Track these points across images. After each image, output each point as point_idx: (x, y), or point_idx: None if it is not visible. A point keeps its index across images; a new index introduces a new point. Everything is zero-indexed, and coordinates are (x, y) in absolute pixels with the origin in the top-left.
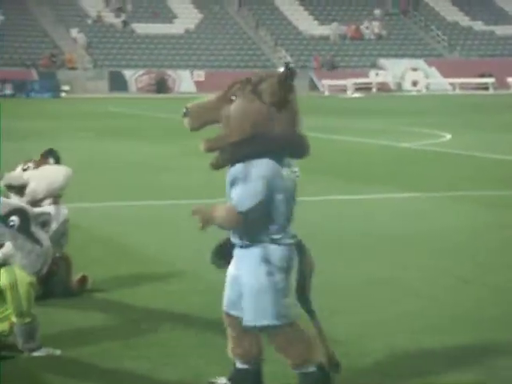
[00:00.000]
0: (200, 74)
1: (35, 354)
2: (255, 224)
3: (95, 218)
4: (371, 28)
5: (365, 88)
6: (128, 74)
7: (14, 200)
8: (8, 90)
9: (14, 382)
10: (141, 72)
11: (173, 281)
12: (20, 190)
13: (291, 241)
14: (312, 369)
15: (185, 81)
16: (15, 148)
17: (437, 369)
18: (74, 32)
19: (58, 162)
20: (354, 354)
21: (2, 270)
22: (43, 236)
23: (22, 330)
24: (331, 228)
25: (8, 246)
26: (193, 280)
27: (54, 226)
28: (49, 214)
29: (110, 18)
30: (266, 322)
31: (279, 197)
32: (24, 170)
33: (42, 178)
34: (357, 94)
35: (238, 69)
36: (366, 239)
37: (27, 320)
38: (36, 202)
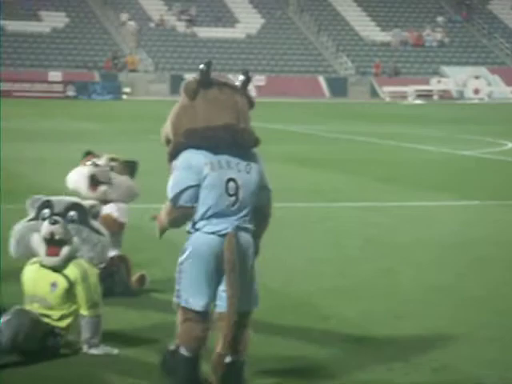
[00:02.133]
0: (261, 79)
1: (93, 351)
2: (188, 211)
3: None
4: (433, 35)
5: (426, 95)
6: (189, 77)
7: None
8: (71, 92)
9: (71, 380)
10: None
11: None
12: (97, 184)
13: (216, 229)
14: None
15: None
16: (79, 148)
17: (497, 380)
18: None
19: (134, 175)
20: (415, 359)
21: (71, 265)
22: (101, 226)
23: (91, 323)
24: (393, 233)
25: (74, 240)
26: None
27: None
28: (98, 205)
29: (172, 21)
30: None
31: (204, 183)
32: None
33: (120, 186)
34: (418, 101)
35: (298, 74)
36: (427, 245)
37: (98, 312)
38: (102, 202)
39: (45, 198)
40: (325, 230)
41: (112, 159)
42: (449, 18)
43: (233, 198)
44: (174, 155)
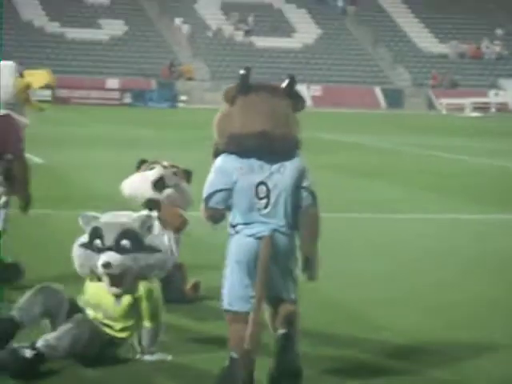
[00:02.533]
0: (317, 89)
1: (148, 358)
2: (218, 213)
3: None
4: (492, 47)
5: (483, 108)
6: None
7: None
8: (127, 99)
9: None
10: None
11: None
12: (163, 187)
13: (253, 232)
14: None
15: (302, 94)
16: (135, 155)
17: None
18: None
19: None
20: (469, 371)
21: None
22: (157, 240)
23: (151, 334)
24: (448, 245)
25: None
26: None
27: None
28: (152, 217)
29: (229, 30)
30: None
31: (235, 187)
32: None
33: (183, 192)
34: (475, 114)
35: (355, 84)
36: (482, 257)
37: (159, 323)
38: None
39: (95, 220)
40: (379, 240)
41: (172, 166)
42: (507, 31)
43: (264, 201)
44: (214, 156)
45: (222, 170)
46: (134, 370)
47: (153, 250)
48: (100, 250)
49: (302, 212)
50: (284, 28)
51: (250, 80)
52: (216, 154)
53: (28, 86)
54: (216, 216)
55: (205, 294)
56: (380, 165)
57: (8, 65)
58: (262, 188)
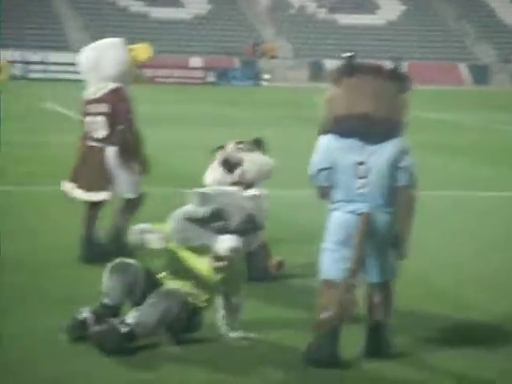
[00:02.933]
0: (403, 65)
1: (232, 335)
2: (324, 191)
3: (293, 205)
4: None
5: None
6: (329, 64)
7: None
8: (211, 78)
9: (211, 362)
10: (341, 62)
11: None
12: (232, 167)
13: (351, 208)
14: None
15: None
16: (219, 134)
17: None
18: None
19: (264, 151)
20: None
21: None
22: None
23: (235, 310)
24: None
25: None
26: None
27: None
28: (260, 196)
29: (312, 8)
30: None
31: (336, 166)
32: (239, 149)
33: (254, 163)
34: None
35: (440, 61)
36: None
37: (241, 297)
38: (242, 185)
39: (216, 201)
40: (467, 218)
41: (238, 142)
42: None
43: (362, 181)
44: (319, 133)
45: (325, 150)
46: (218, 347)
47: (261, 228)
48: (222, 232)
49: (398, 192)
50: (367, 5)
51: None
52: (321, 133)
53: (135, 60)
54: (323, 192)
55: (288, 272)
56: (467, 142)
57: (118, 41)
58: (362, 167)
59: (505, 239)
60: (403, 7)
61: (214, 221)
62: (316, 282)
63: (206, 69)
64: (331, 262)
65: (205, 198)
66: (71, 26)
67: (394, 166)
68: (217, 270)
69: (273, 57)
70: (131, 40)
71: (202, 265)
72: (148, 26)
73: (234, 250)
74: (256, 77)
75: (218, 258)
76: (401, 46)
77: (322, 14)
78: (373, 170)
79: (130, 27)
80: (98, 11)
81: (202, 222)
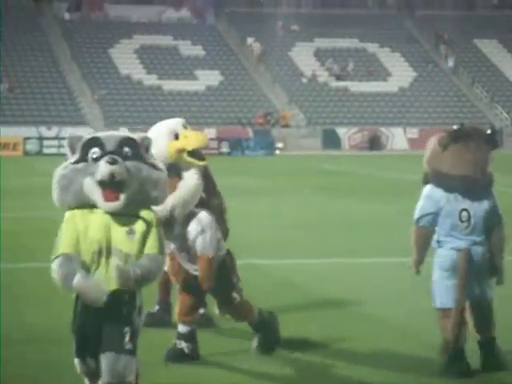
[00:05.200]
0: (413, 132)
1: None
2: (426, 230)
3: (313, 274)
4: None
5: None
6: (341, 131)
7: None
8: (225, 148)
9: None
10: (354, 130)
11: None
12: None
13: (454, 246)
14: None
15: (398, 138)
16: (236, 202)
17: None
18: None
19: None
20: None
21: (143, 209)
22: (156, 161)
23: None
24: None
25: (134, 180)
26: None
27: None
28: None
29: (324, 76)
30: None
31: (441, 212)
32: None
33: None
34: None
35: (453, 126)
36: None
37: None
38: None
39: (89, 135)
40: None
41: None
42: None
43: (465, 224)
44: (424, 183)
45: (431, 197)
46: None
47: (154, 166)
48: (98, 159)
49: (492, 230)
50: (379, 72)
51: None
52: (425, 182)
53: (181, 150)
54: (425, 234)
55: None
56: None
57: (164, 126)
58: (465, 214)
59: None
60: (414, 73)
61: (89, 150)
62: None
63: (220, 139)
64: (444, 292)
65: (75, 140)
66: (85, 100)
67: (490, 213)
68: (125, 226)
69: (286, 125)
70: (146, 112)
71: (113, 226)
72: (162, 98)
73: (112, 162)
74: (269, 146)
75: (108, 195)
76: (413, 111)
77: (334, 81)
78: (474, 216)
79: (145, 100)
80: (114, 85)
81: (80, 159)
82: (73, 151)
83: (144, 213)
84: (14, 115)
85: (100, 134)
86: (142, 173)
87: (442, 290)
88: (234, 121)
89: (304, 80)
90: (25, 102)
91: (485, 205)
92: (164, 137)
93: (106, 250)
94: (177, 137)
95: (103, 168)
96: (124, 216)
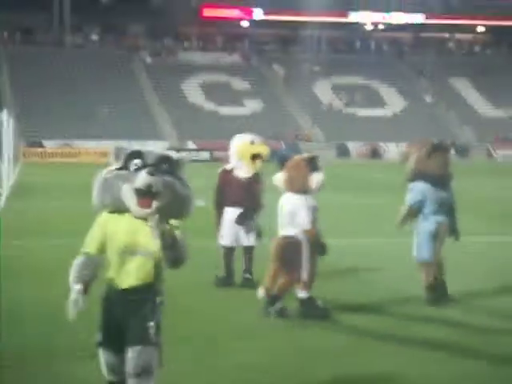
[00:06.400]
0: (403, 145)
1: None
2: (415, 210)
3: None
4: None
5: None
6: (351, 145)
7: None
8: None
9: None
10: (360, 144)
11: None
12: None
13: (436, 219)
14: None
15: (392, 150)
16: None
17: None
18: (308, 119)
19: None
20: None
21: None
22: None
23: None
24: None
25: (167, 193)
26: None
27: None
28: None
29: (338, 105)
30: None
31: (427, 200)
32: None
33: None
34: None
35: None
36: None
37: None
38: None
39: (133, 148)
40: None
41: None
42: None
43: (442, 206)
44: (410, 180)
45: (419, 189)
46: None
47: (185, 184)
48: (138, 170)
49: (453, 209)
50: (377, 100)
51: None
52: (411, 180)
53: (254, 155)
54: (413, 212)
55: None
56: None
57: (243, 136)
58: (442, 199)
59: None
60: (405, 102)
61: (131, 160)
62: None
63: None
64: (428, 250)
65: (120, 150)
66: (162, 121)
67: (452, 198)
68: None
69: (308, 141)
70: (206, 130)
71: (139, 227)
72: (218, 120)
73: (150, 173)
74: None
75: (141, 202)
76: (404, 131)
77: (345, 108)
78: (447, 200)
79: (205, 121)
80: (183, 111)
81: (122, 167)
82: (117, 160)
83: (172, 221)
84: (110, 133)
85: (142, 149)
86: (175, 187)
87: (428, 248)
88: (271, 137)
89: (323, 107)
90: (118, 122)
91: (450, 193)
92: (243, 142)
93: (131, 251)
94: (252, 144)
95: (143, 178)
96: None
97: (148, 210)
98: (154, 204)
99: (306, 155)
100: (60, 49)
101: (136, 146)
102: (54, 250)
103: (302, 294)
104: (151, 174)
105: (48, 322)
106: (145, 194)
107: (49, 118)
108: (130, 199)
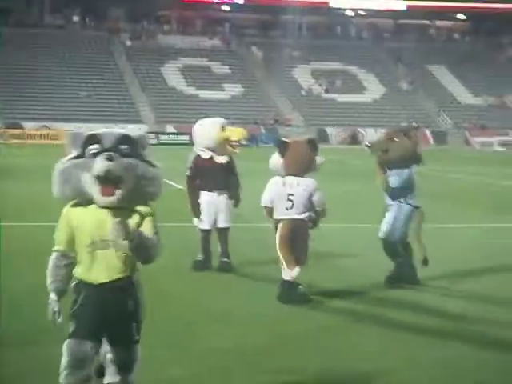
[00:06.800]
0: (382, 131)
1: None
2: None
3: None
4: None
5: (506, 144)
6: (330, 130)
7: None
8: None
9: None
10: (339, 129)
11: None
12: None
13: (412, 203)
14: None
15: (370, 135)
16: (256, 182)
17: None
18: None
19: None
20: None
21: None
22: (153, 158)
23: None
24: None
25: (130, 176)
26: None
27: None
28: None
29: (317, 90)
30: None
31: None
32: None
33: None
34: (500, 148)
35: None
36: None
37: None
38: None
39: (89, 132)
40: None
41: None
42: None
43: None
44: (402, 167)
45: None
46: None
47: (150, 163)
48: (97, 155)
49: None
50: (357, 87)
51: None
52: (401, 166)
53: (226, 139)
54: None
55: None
56: (428, 187)
57: (213, 121)
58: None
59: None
60: (384, 89)
61: (88, 146)
62: None
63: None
64: (390, 231)
65: (76, 136)
66: (142, 104)
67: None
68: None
69: (288, 125)
70: (185, 114)
71: (107, 219)
72: (198, 104)
73: (109, 158)
74: (277, 140)
75: (104, 190)
76: (382, 117)
77: (324, 94)
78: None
79: (185, 106)
80: (163, 95)
81: (79, 155)
82: (74, 147)
83: (141, 207)
84: (89, 115)
85: (99, 131)
86: (137, 170)
87: (406, 229)
88: (251, 121)
89: (303, 92)
90: (97, 105)
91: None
92: (215, 128)
93: (101, 243)
94: (223, 130)
95: (100, 164)
96: (120, 210)
97: (112, 198)
98: (118, 191)
99: (305, 137)
100: (40, 29)
101: (116, 128)
102: (35, 231)
103: (289, 275)
104: (109, 158)
105: (34, 306)
106: (106, 181)
107: (28, 99)
108: (91, 188)
